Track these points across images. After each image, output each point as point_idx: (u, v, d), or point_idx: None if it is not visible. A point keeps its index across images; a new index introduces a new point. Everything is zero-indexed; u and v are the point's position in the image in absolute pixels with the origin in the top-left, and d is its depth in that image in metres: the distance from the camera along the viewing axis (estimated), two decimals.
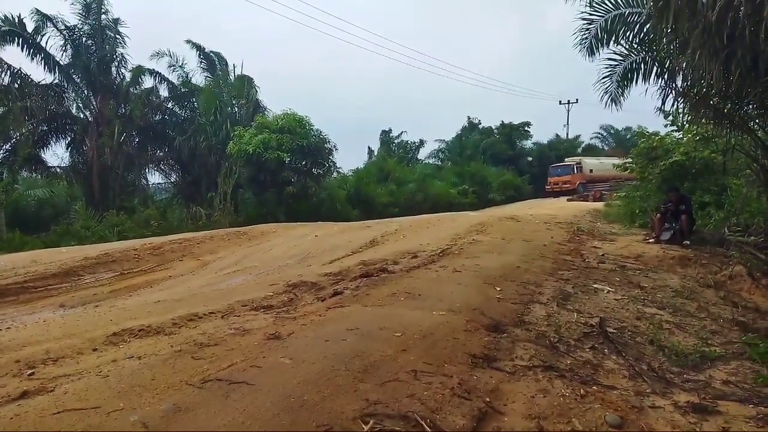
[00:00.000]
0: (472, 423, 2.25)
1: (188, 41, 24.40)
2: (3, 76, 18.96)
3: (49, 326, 4.22)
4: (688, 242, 8.59)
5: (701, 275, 6.84)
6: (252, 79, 24.89)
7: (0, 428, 2.07)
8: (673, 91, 8.16)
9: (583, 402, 2.58)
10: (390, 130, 43.14)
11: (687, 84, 7.61)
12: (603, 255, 7.87)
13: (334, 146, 22.50)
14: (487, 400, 2.50)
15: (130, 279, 8.50)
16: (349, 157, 47.48)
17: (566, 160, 37.27)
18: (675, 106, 8.78)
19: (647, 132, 13.87)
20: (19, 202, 19.52)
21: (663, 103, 8.44)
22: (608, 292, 5.52)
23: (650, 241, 9.13)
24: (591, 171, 34.32)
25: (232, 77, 24.81)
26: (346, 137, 58.31)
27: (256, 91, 24.90)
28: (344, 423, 2.10)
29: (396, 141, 42.76)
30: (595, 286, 5.75)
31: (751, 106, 7.48)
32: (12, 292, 7.51)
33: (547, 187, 35.53)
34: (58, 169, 21.84)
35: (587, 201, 26.41)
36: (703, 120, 8.44)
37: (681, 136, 12.08)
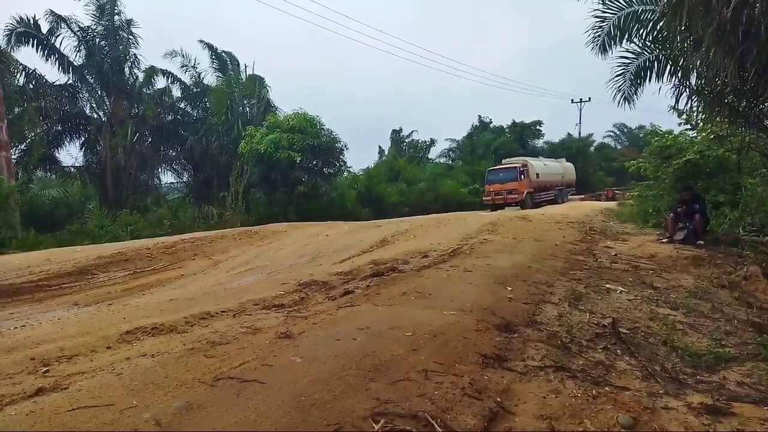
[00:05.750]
0: (483, 423, 2.24)
1: (201, 41, 24.73)
2: (18, 76, 19.26)
3: (63, 324, 4.27)
4: (701, 242, 8.49)
5: (715, 276, 6.75)
6: (263, 78, 25.08)
7: (16, 425, 2.10)
8: (687, 89, 8.09)
9: (595, 403, 2.57)
10: (400, 130, 43.33)
11: (701, 82, 7.55)
12: (615, 255, 7.80)
13: (345, 146, 22.64)
14: (498, 400, 2.49)
15: (143, 278, 8.56)
16: (360, 157, 47.72)
17: (505, 161, 28.66)
18: (689, 105, 8.68)
19: (661, 130, 13.71)
20: (33, 201, 19.72)
21: (676, 101, 8.37)
22: (621, 292, 5.47)
23: (663, 241, 9.03)
24: (538, 176, 27.24)
25: (243, 77, 24.98)
26: (356, 137, 58.55)
27: (267, 90, 25.08)
28: (355, 422, 2.10)
29: (406, 140, 42.84)
30: (607, 286, 5.70)
31: (766, 104, 7.37)
32: (27, 290, 7.61)
33: (485, 198, 26.41)
34: (72, 169, 22.17)
35: (600, 200, 26.26)
36: (718, 118, 8.36)
37: (695, 134, 11.94)
